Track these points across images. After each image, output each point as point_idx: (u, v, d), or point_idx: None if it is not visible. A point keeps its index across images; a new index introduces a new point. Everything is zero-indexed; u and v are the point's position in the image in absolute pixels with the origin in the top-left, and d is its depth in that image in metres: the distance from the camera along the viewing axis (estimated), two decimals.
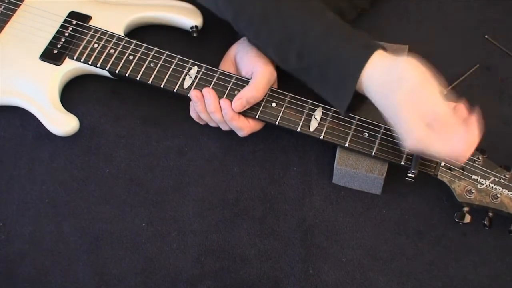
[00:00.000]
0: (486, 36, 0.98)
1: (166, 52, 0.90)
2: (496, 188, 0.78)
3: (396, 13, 1.02)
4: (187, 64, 0.89)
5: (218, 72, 0.88)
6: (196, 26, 0.97)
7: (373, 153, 0.81)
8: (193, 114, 0.89)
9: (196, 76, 0.88)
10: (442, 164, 0.80)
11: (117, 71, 0.90)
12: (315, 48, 0.76)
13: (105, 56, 0.91)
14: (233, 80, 0.86)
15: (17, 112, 0.94)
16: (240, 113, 0.84)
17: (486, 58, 0.96)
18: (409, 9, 1.02)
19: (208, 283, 0.84)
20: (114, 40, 0.92)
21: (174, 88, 0.88)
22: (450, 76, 0.95)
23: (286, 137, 0.92)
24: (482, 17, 1.00)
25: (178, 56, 0.89)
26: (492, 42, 0.98)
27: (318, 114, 0.84)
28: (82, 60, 0.92)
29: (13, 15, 0.97)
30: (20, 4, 0.98)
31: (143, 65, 0.89)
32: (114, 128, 0.94)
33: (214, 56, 0.93)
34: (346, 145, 0.82)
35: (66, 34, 0.95)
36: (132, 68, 0.90)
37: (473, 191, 0.78)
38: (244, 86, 0.85)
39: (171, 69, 0.89)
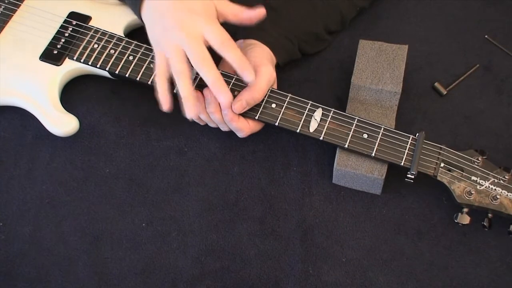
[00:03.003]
0: (486, 36, 0.98)
1: None
2: (495, 189, 0.78)
3: (396, 13, 1.02)
4: None
5: None
6: None
7: (373, 154, 0.81)
8: None
9: (196, 77, 0.87)
10: (442, 165, 0.80)
11: (117, 72, 0.90)
12: None
13: (105, 56, 0.91)
14: (233, 81, 0.86)
15: (17, 112, 0.95)
16: (239, 114, 0.84)
17: (486, 58, 0.96)
18: (409, 9, 1.02)
19: (208, 283, 0.84)
20: (114, 41, 0.92)
21: (174, 89, 0.87)
22: (450, 76, 0.95)
23: (286, 138, 0.92)
24: (482, 17, 1.00)
25: None
26: (492, 42, 0.98)
27: (318, 115, 0.84)
28: (82, 60, 0.92)
29: (13, 15, 0.97)
30: (20, 5, 0.98)
31: (143, 65, 0.89)
32: (114, 128, 0.95)
33: (214, 56, 0.93)
34: (346, 146, 0.82)
35: (66, 35, 0.95)
36: (132, 68, 0.90)
37: (472, 192, 0.78)
38: (244, 87, 0.84)
39: None
